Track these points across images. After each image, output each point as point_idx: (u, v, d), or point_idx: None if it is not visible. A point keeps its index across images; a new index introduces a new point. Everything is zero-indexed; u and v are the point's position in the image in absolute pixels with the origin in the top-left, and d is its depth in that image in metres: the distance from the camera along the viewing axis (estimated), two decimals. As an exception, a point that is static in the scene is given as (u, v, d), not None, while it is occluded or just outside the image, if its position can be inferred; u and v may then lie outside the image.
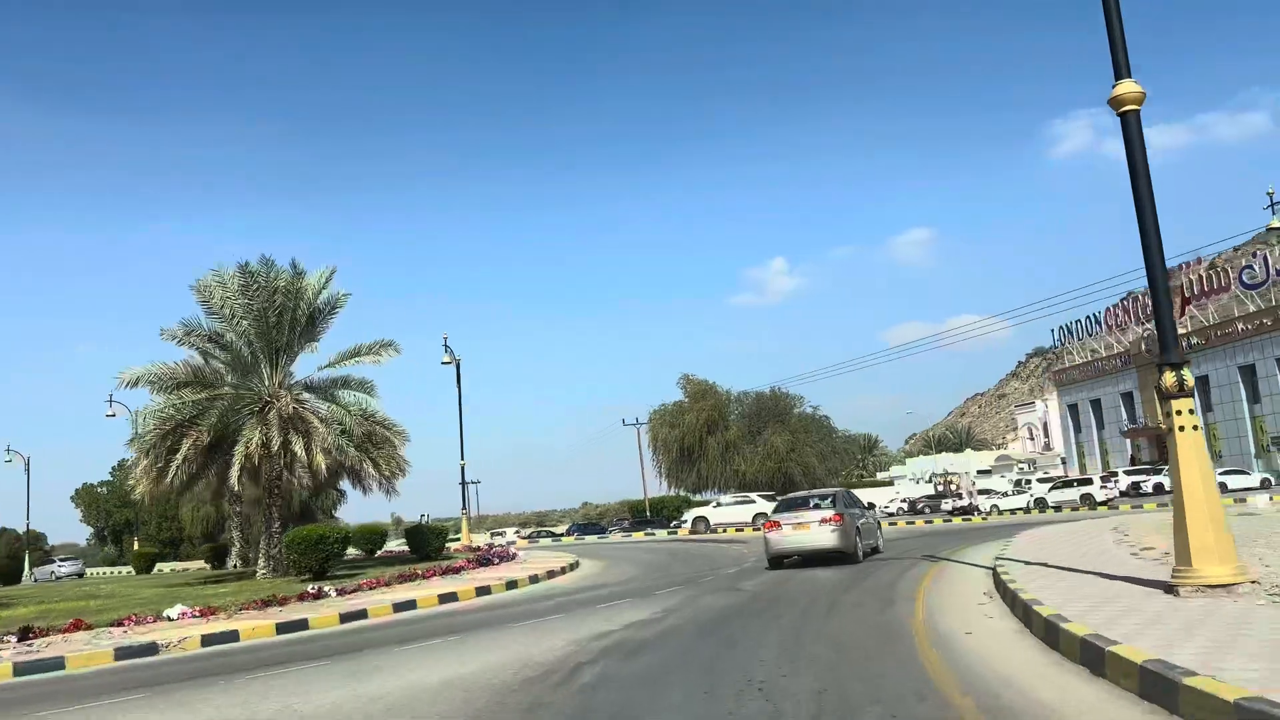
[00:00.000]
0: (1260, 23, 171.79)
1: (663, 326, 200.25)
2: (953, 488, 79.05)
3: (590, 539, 48.86)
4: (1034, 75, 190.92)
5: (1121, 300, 66.89)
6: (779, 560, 17.01)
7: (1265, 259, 52.74)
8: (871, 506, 29.54)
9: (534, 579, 19.43)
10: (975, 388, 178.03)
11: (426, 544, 24.99)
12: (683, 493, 52.51)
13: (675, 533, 49.70)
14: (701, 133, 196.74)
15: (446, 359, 47.46)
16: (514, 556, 24.75)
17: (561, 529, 78.00)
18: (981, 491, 59.07)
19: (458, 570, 20.69)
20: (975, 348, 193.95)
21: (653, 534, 47.61)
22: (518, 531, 76.45)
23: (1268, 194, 24.60)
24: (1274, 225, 24.53)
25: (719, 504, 40.98)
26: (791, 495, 21.06)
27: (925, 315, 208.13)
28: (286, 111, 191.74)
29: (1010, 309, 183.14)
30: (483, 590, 17.47)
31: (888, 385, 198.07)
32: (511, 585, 18.44)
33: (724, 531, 43.68)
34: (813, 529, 16.41)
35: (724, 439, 47.03)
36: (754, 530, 42.41)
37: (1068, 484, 50.45)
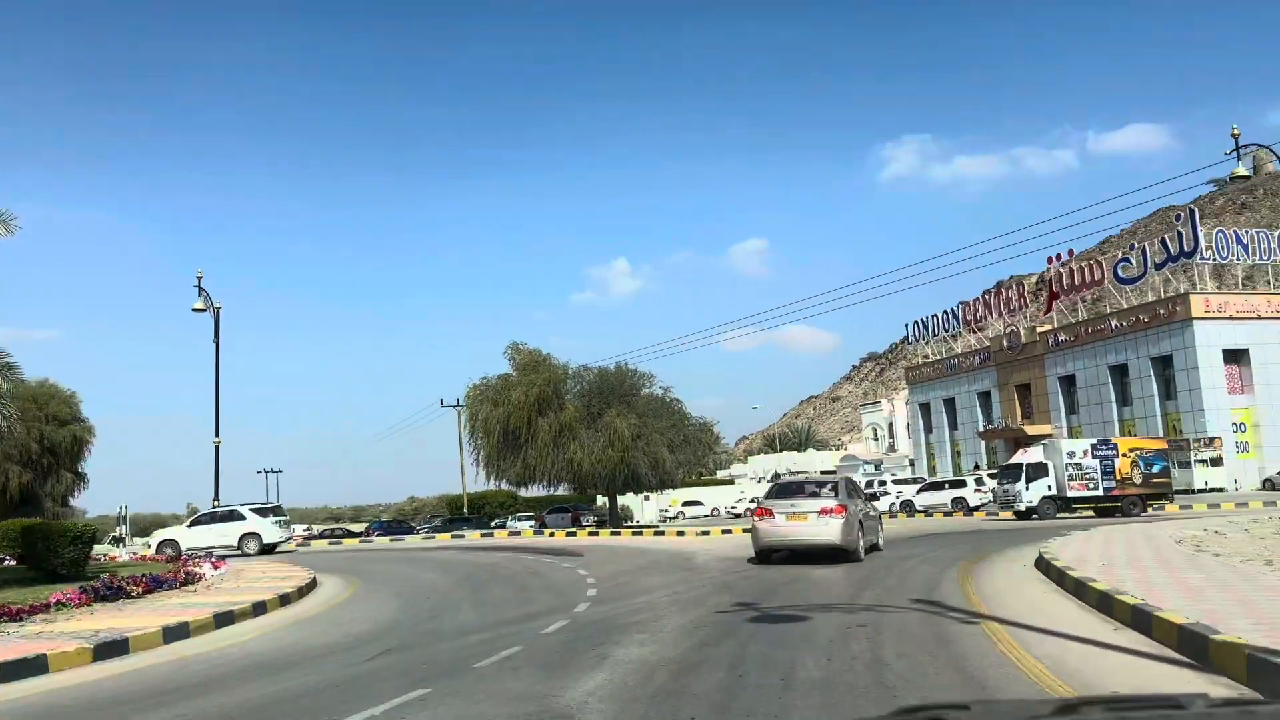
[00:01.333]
0: (1072, 65, 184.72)
1: (505, 322, 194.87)
2: (803, 488, 73.81)
3: (381, 541, 39.15)
4: (868, 100, 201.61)
5: (982, 295, 63.29)
6: (767, 554, 15.00)
7: (1144, 251, 49.50)
8: (876, 498, 24.40)
9: (177, 632, 10.06)
10: (809, 391, 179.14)
11: (54, 553, 14.97)
12: (505, 486, 43.53)
13: (492, 534, 40.73)
14: (543, 136, 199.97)
15: (199, 305, 36.58)
16: (200, 578, 15.11)
17: (362, 527, 67.37)
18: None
19: (36, 611, 10.96)
20: (808, 353, 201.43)
21: (461, 535, 38.43)
22: (309, 529, 65.39)
23: (1232, 135, 18.42)
24: (1238, 173, 18.41)
25: (194, 522, 29.17)
26: (787, 480, 19.52)
27: (760, 321, 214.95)
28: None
29: (836, 319, 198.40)
30: (27, 667, 8.03)
31: (722, 388, 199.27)
32: (112, 650, 9.03)
33: (519, 536, 35.01)
34: (811, 520, 14.24)
35: (558, 421, 38.32)
36: (588, 535, 33.94)
37: (936, 486, 45.05)
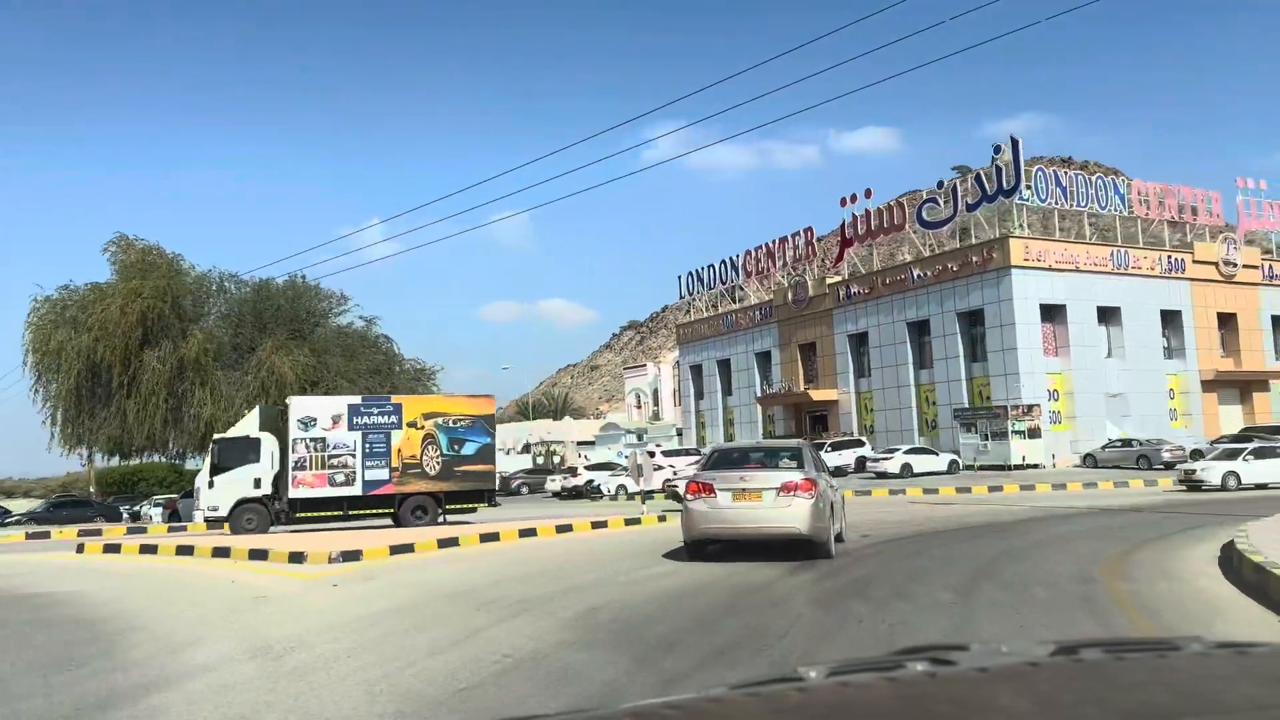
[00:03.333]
0: (818, 66, 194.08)
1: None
2: (556, 459, 62.96)
3: None
4: (632, 84, 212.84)
5: (765, 244, 55.21)
6: (702, 545, 11.15)
7: (954, 190, 42.78)
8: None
9: None
10: (568, 359, 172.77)
11: None
12: (102, 460, 28.52)
13: (43, 534, 26.21)
14: (304, 85, 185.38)
15: None
16: None
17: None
18: (600, 466, 42.88)
19: None
20: (569, 327, 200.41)
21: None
22: None
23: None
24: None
25: None
26: (730, 445, 15.92)
27: (520, 295, 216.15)
28: None
29: (595, 295, 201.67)
30: None
31: (480, 358, 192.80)
32: None
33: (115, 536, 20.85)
34: (767, 500, 10.61)
35: (176, 355, 24.54)
36: (172, 546, 20.03)
37: (725, 459, 35.86)
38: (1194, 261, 41.66)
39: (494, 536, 14.35)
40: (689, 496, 11.19)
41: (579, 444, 72.71)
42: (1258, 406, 41.96)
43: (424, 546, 13.24)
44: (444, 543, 13.49)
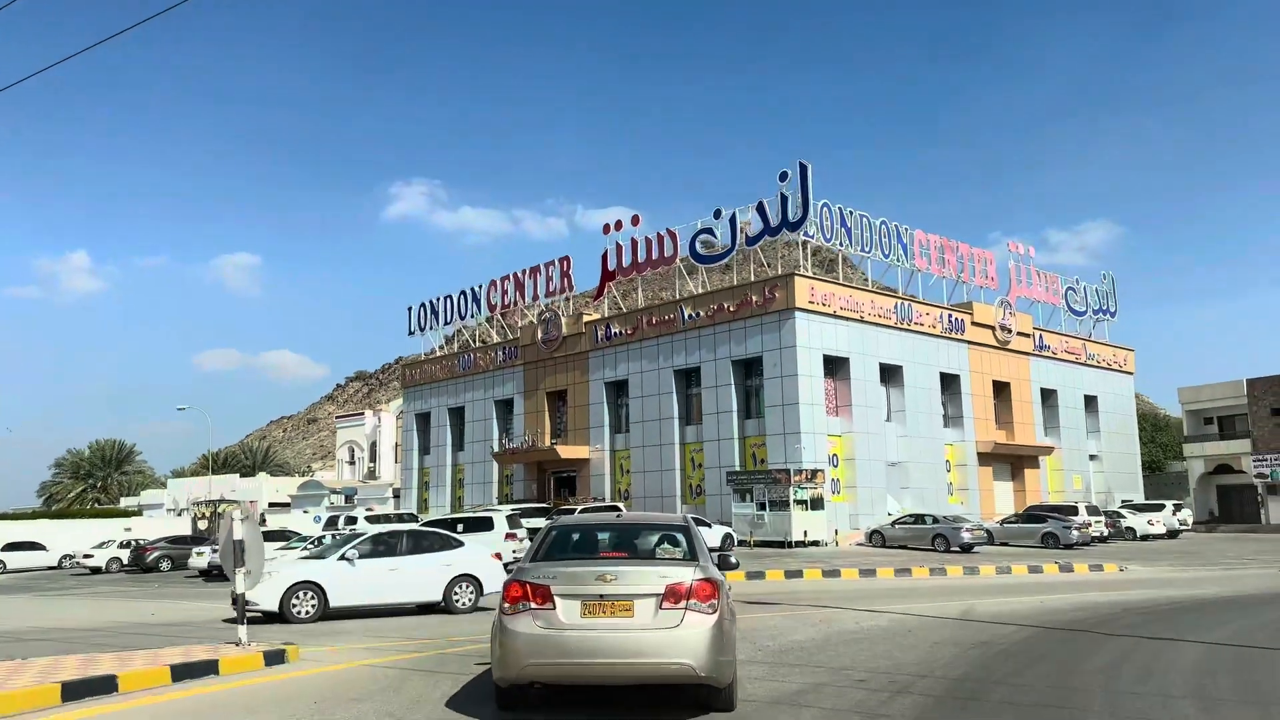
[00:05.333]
0: (569, 143, 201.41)
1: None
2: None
3: None
4: (381, 136, 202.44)
5: (514, 274, 47.36)
6: (522, 694, 6.74)
7: (733, 220, 37.30)
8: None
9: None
10: (282, 411, 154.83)
11: None
12: None
13: None
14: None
15: None
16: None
17: None
18: (275, 534, 31.55)
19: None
20: (294, 379, 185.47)
21: None
22: None
23: None
24: None
25: None
26: (574, 521, 8.22)
27: (243, 344, 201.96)
28: None
29: (328, 350, 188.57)
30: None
31: (188, 414, 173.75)
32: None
33: None
34: (642, 616, 6.31)
35: None
36: None
37: (447, 528, 26.50)
38: (973, 323, 38.90)
39: None
40: (507, 608, 6.66)
41: (271, 505, 59.58)
42: (1029, 483, 39.53)
43: None
44: None
